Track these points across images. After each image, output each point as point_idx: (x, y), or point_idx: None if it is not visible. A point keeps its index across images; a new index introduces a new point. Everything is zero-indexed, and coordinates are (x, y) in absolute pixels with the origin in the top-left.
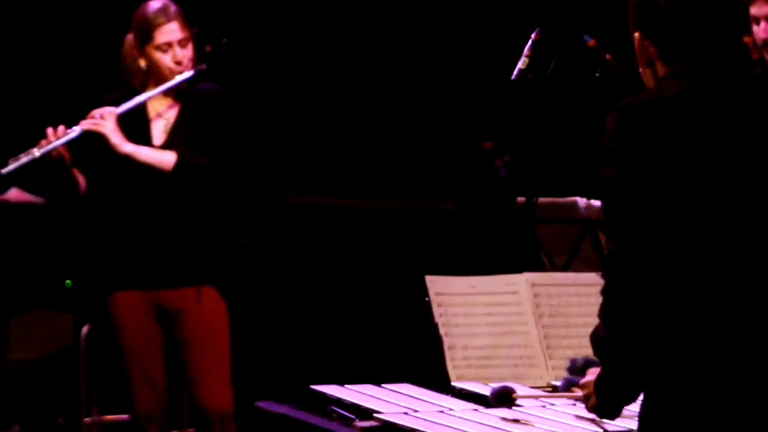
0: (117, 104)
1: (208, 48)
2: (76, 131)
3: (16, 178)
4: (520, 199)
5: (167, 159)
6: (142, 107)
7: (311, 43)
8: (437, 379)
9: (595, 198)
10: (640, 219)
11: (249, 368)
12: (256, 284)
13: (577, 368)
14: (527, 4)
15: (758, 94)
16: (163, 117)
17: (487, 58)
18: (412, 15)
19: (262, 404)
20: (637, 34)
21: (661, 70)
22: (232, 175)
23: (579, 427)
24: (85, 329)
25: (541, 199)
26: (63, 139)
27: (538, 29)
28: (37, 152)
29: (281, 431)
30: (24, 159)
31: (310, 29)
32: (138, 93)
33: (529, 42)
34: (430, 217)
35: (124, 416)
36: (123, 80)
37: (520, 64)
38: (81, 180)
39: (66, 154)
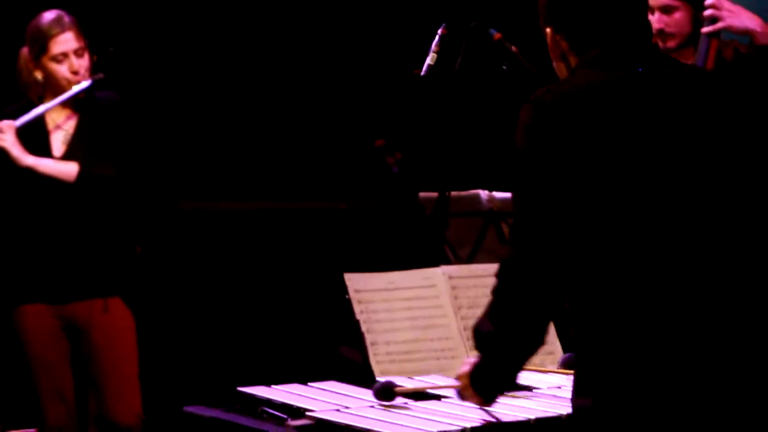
0: (15, 118)
1: (94, 57)
2: None
3: None
4: (424, 194)
5: (69, 170)
6: (40, 119)
7: (195, 43)
8: (361, 376)
9: (497, 190)
10: (547, 221)
11: (170, 375)
12: (163, 293)
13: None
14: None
15: (672, 80)
16: (62, 128)
17: (375, 55)
18: (304, 11)
19: (191, 409)
20: (548, 30)
21: (574, 63)
22: (134, 184)
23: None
24: None
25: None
26: None
27: (444, 24)
28: None
29: None
30: None
31: (193, 30)
32: (35, 105)
33: (437, 37)
34: (327, 217)
35: (31, 430)
36: (20, 93)
37: (429, 59)
38: None
39: None
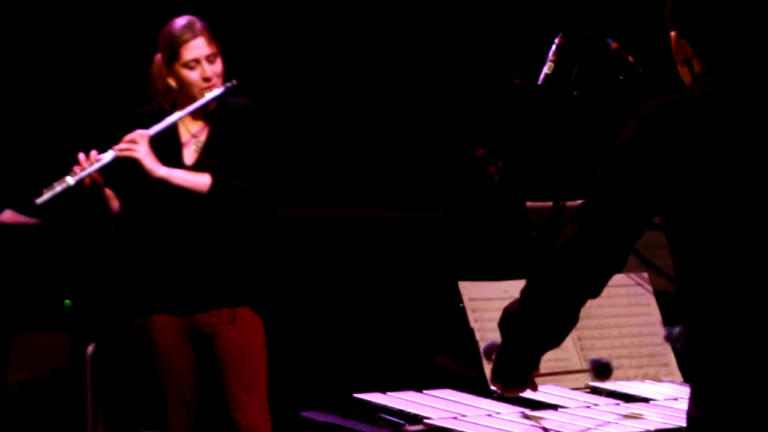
0: (146, 122)
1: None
2: (108, 156)
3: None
4: (531, 203)
5: (202, 181)
6: (173, 127)
7: (297, 52)
8: (474, 384)
9: None
10: (600, 228)
11: (286, 381)
12: (275, 299)
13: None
14: (517, 10)
15: None
16: (194, 136)
17: (477, 65)
18: (402, 25)
19: (307, 414)
20: (673, 33)
21: (698, 68)
22: (265, 195)
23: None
24: (90, 348)
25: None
26: (96, 166)
27: (561, 33)
28: (71, 180)
29: None
30: (58, 188)
31: (297, 38)
32: (167, 112)
33: (554, 46)
34: (427, 226)
35: None
36: (151, 100)
37: (546, 68)
38: (114, 202)
39: (99, 179)
